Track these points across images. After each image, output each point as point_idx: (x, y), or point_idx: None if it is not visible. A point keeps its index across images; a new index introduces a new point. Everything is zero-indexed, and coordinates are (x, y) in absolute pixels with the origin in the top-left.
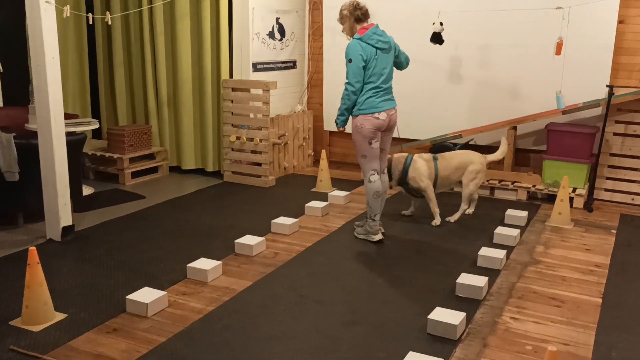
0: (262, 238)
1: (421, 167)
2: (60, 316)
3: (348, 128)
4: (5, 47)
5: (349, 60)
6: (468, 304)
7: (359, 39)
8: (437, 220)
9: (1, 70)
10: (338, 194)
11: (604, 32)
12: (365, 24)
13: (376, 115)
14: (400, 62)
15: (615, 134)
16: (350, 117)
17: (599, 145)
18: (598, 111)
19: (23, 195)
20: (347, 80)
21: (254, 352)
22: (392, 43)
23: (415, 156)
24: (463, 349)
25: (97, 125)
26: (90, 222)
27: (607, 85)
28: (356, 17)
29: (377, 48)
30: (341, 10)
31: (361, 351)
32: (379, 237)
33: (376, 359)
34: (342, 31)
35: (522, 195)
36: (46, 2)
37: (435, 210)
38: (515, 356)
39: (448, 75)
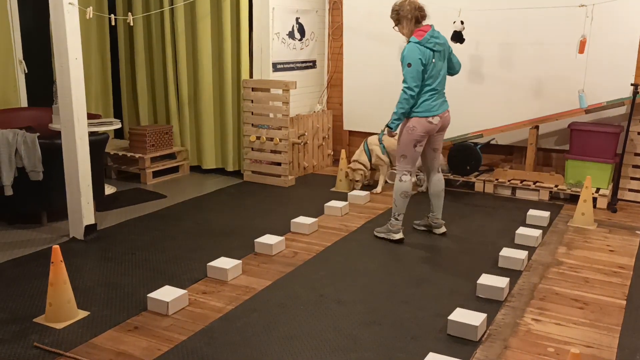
0: (282, 237)
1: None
2: (82, 314)
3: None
4: (29, 48)
5: (408, 65)
6: (489, 305)
7: (417, 42)
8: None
9: (26, 71)
10: (357, 193)
11: (629, 30)
12: (422, 26)
13: (430, 119)
14: (453, 65)
15: None
16: None
17: (623, 144)
18: (622, 110)
19: (47, 194)
20: (406, 85)
21: (274, 351)
22: (446, 45)
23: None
24: (484, 351)
25: (119, 125)
26: (112, 221)
27: (631, 84)
28: (416, 18)
29: (434, 51)
30: (398, 11)
31: (380, 351)
32: (399, 235)
33: None
34: (394, 27)
35: (544, 196)
36: (69, 3)
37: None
38: (536, 358)
39: (469, 74)
